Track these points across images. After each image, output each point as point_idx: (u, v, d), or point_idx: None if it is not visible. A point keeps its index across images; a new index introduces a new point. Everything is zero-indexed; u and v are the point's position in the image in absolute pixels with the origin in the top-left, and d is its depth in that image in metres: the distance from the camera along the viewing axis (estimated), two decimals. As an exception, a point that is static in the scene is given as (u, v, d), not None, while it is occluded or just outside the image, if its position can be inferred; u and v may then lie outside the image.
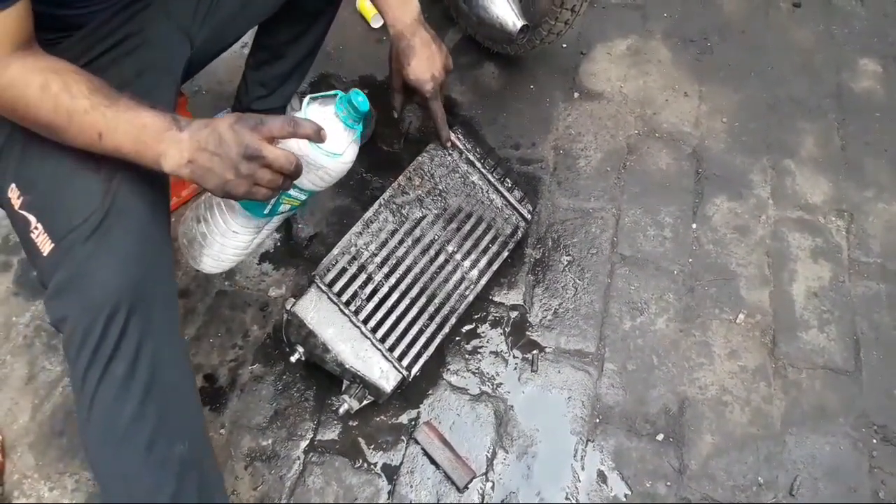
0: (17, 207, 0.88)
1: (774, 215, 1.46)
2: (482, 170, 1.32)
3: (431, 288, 1.23)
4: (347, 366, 1.15)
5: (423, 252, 1.25)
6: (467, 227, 1.29)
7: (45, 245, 0.84)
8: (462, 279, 1.26)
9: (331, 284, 1.18)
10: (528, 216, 1.34)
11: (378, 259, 1.22)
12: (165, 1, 1.05)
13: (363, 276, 1.20)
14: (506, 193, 1.33)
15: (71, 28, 0.98)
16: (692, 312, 1.34)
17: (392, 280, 1.21)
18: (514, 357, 1.30)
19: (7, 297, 1.40)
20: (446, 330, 1.23)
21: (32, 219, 0.86)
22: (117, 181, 0.85)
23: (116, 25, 1.00)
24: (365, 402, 1.20)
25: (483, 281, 1.28)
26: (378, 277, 1.21)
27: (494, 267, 1.29)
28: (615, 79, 1.67)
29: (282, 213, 1.02)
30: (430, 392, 1.27)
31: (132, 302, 0.80)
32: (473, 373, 1.29)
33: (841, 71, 1.66)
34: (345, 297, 1.18)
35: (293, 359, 1.20)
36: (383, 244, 1.23)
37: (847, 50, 1.70)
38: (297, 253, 1.45)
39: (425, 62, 1.13)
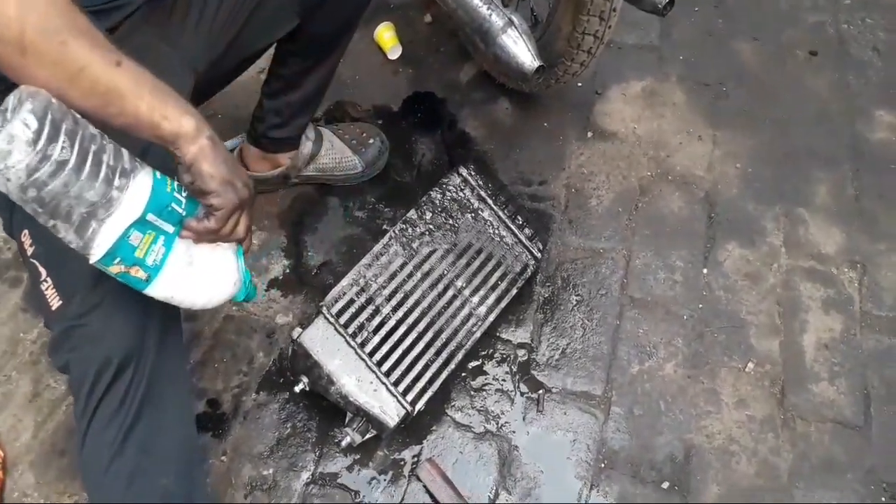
0: (28, 255, 0.91)
1: (786, 264, 1.45)
2: (494, 206, 1.33)
3: (439, 323, 1.23)
4: (351, 399, 1.14)
5: (432, 286, 1.25)
6: (477, 263, 1.29)
7: (53, 300, 0.88)
8: (470, 315, 1.26)
9: (338, 315, 1.18)
10: (539, 254, 1.34)
11: (386, 292, 1.22)
12: (167, 32, 1.06)
13: (371, 309, 1.20)
14: (516, 231, 1.33)
15: None
16: (701, 359, 1.33)
17: (399, 313, 1.21)
18: (520, 396, 1.29)
19: (15, 313, 1.40)
20: (452, 366, 1.22)
21: (43, 271, 0.89)
22: None
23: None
24: (368, 435, 1.19)
25: (491, 318, 1.27)
26: (386, 310, 1.21)
27: (503, 304, 1.29)
28: (629, 119, 1.67)
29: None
30: (433, 428, 1.26)
31: (126, 354, 0.85)
32: (478, 410, 1.28)
33: (856, 121, 1.67)
34: (351, 329, 1.18)
35: (297, 388, 1.19)
36: (392, 277, 1.23)
37: (863, 100, 1.70)
38: (306, 281, 1.45)
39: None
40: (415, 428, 1.26)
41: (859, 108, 1.69)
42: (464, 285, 1.27)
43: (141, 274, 0.75)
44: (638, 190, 1.56)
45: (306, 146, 1.47)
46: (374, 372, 1.16)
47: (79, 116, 0.71)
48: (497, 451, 1.24)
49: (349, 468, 1.23)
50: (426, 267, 1.26)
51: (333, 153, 1.52)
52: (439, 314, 1.24)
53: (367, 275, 1.22)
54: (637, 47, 1.81)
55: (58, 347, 0.89)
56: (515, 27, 1.29)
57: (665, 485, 1.20)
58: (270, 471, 1.23)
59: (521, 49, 1.29)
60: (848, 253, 1.46)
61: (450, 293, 1.25)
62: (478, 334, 1.26)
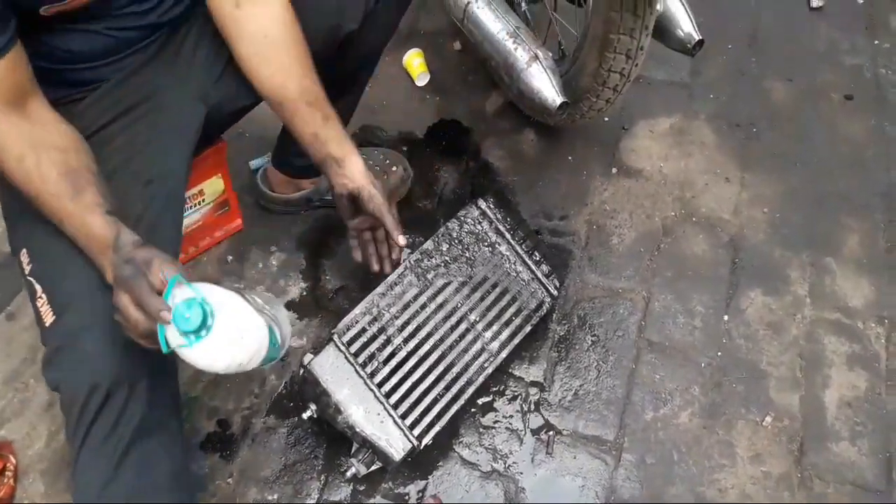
0: (26, 273, 0.93)
1: (811, 315, 1.41)
2: (511, 241, 1.32)
3: (450, 357, 1.22)
4: (358, 429, 1.13)
5: (445, 319, 1.24)
6: (491, 297, 1.28)
7: (47, 316, 0.90)
8: (482, 350, 1.25)
9: (349, 344, 1.17)
10: (555, 292, 1.32)
11: (399, 322, 1.21)
12: (179, 65, 1.09)
13: (382, 338, 1.20)
14: (533, 267, 1.32)
15: (87, 84, 1.03)
16: (717, 409, 1.30)
17: (411, 345, 1.20)
18: (530, 436, 1.28)
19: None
20: (462, 401, 1.21)
21: (38, 287, 0.91)
22: None
23: (131, 89, 1.04)
24: (373, 467, 1.18)
25: (503, 354, 1.26)
26: (397, 341, 1.20)
27: (516, 341, 1.28)
28: (656, 157, 1.66)
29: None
30: (440, 464, 1.25)
31: (115, 378, 0.85)
32: (486, 448, 1.27)
33: (891, 168, 1.63)
34: (362, 358, 1.17)
35: (305, 415, 1.19)
36: (405, 307, 1.23)
37: (899, 148, 1.66)
38: (322, 305, 1.45)
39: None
40: (421, 462, 1.25)
41: (895, 155, 1.65)
42: (477, 319, 1.26)
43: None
44: (661, 230, 1.54)
45: (329, 171, 1.48)
46: (382, 403, 1.15)
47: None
48: (503, 492, 1.22)
49: (353, 499, 1.22)
50: (440, 299, 1.25)
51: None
52: (451, 347, 1.23)
53: (380, 304, 1.21)
54: (667, 83, 1.80)
55: (49, 366, 0.89)
56: (540, 62, 1.29)
57: (674, 538, 1.18)
58: (275, 496, 1.23)
59: (544, 84, 1.29)
60: (876, 307, 1.42)
61: (462, 326, 1.24)
62: (489, 370, 1.24)
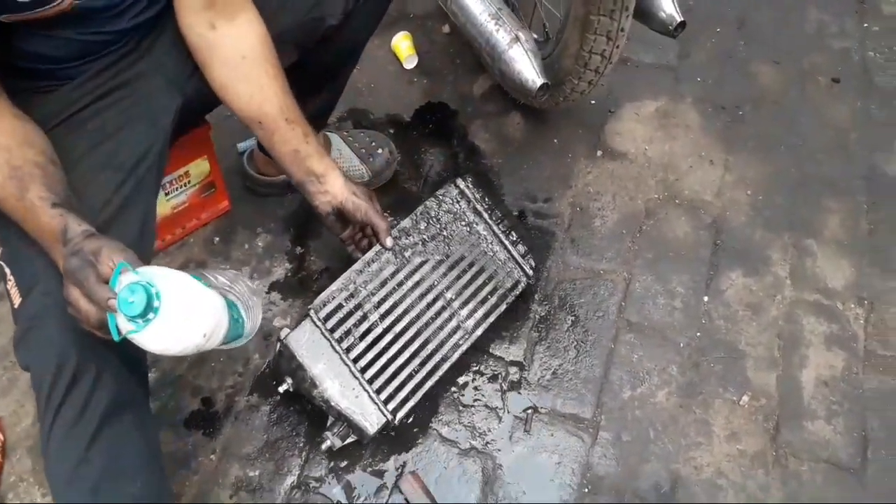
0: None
1: (790, 296, 1.42)
2: (489, 221, 1.33)
3: (426, 333, 1.23)
4: (333, 403, 1.15)
5: (421, 297, 1.25)
6: (468, 276, 1.29)
7: (15, 298, 0.91)
8: (457, 328, 1.26)
9: (325, 319, 1.18)
10: (531, 272, 1.33)
11: (375, 299, 1.22)
12: (154, 55, 1.09)
13: (358, 315, 1.21)
14: (510, 247, 1.33)
15: (62, 79, 1.03)
16: (695, 388, 1.31)
17: (387, 322, 1.22)
18: (508, 414, 1.29)
19: (26, 301, 1.45)
20: (436, 377, 1.23)
21: (7, 270, 0.93)
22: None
23: (105, 79, 1.04)
24: (349, 440, 1.20)
25: (479, 332, 1.27)
26: (373, 318, 1.21)
27: (491, 319, 1.29)
28: (641, 140, 1.66)
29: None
30: (419, 441, 1.27)
31: (81, 357, 0.85)
32: (465, 426, 1.28)
33: (875, 152, 1.62)
34: (338, 334, 1.18)
35: (281, 388, 1.20)
36: (382, 285, 1.24)
37: (884, 131, 1.66)
38: (307, 285, 1.46)
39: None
40: (400, 439, 1.26)
41: (879, 138, 1.65)
42: (453, 297, 1.27)
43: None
44: (644, 212, 1.54)
45: (313, 155, 1.49)
46: (357, 378, 1.17)
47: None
48: (481, 469, 1.24)
49: (333, 475, 1.24)
50: (417, 277, 1.26)
51: (341, 161, 1.53)
52: (427, 325, 1.24)
53: (357, 280, 1.23)
54: (654, 67, 1.80)
55: (19, 347, 0.90)
56: (521, 44, 1.29)
57: (648, 514, 1.19)
58: (257, 472, 1.25)
59: (525, 66, 1.29)
60: (856, 288, 1.42)
61: (439, 304, 1.26)
62: (464, 347, 1.26)
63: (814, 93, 1.74)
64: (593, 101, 1.72)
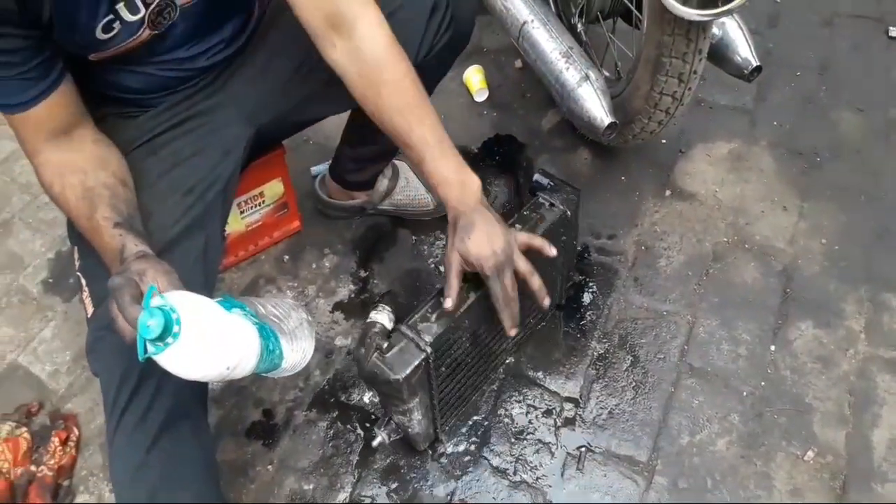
0: (77, 268, 1.03)
1: (864, 352, 1.36)
2: None
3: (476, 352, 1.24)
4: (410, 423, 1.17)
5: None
6: None
7: (89, 307, 0.98)
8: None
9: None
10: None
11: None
12: (230, 89, 1.15)
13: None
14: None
15: (146, 107, 1.10)
16: (757, 440, 1.27)
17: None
18: (561, 450, 1.28)
19: (109, 305, 1.54)
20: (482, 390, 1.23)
21: (83, 282, 1.00)
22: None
23: (182, 109, 1.11)
24: (395, 437, 1.25)
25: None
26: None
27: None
28: (711, 182, 1.64)
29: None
30: (469, 469, 1.27)
31: (143, 367, 0.85)
32: (517, 458, 1.28)
33: (963, 207, 1.55)
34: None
35: (375, 443, 1.26)
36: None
37: (972, 185, 1.58)
38: (369, 307, 1.50)
39: (485, 239, 1.01)
40: (452, 465, 1.27)
41: (967, 193, 1.57)
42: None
43: None
44: (711, 255, 1.52)
45: (382, 183, 1.55)
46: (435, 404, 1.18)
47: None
48: (531, 503, 1.23)
49: (385, 495, 1.25)
50: None
51: (408, 190, 1.58)
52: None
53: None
54: (729, 108, 1.78)
55: (90, 354, 0.96)
56: (591, 83, 1.31)
57: (702, 567, 1.15)
58: (311, 486, 1.28)
59: (594, 104, 1.31)
60: (937, 348, 1.35)
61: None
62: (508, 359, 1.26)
63: (897, 142, 1.68)
64: (664, 141, 1.71)
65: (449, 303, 1.07)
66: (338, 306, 1.51)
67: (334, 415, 1.35)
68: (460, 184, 1.02)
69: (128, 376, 0.90)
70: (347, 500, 1.25)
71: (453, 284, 1.06)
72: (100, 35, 0.92)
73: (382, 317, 1.18)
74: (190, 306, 0.79)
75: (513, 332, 1.10)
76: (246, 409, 1.37)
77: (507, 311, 1.06)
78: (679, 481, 1.23)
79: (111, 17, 0.91)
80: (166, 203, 1.03)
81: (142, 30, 0.96)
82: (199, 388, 1.01)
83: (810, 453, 1.24)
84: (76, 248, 1.04)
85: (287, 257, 1.60)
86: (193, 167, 1.08)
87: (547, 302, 1.11)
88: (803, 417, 1.28)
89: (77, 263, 1.03)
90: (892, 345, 1.37)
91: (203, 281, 1.02)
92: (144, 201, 0.98)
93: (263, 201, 1.53)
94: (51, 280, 1.60)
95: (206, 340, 0.78)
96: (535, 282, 1.08)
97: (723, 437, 1.28)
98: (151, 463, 0.92)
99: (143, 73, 1.06)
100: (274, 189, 1.52)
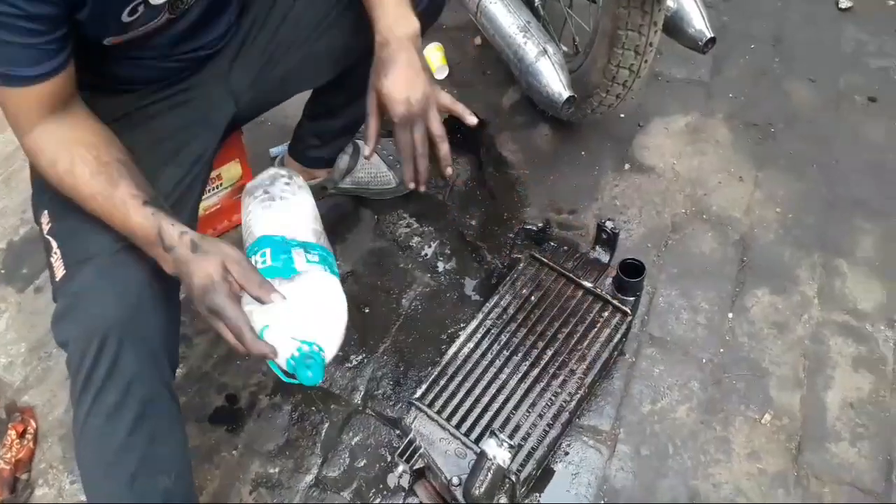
0: (45, 232, 0.97)
1: (818, 316, 1.40)
2: (575, 279, 1.31)
3: (534, 394, 1.21)
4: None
5: (522, 362, 1.24)
6: (567, 330, 1.27)
7: (59, 271, 0.92)
8: (567, 379, 1.22)
9: (430, 404, 1.18)
10: (628, 309, 1.28)
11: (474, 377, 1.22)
12: (216, 66, 1.14)
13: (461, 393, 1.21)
14: (602, 294, 1.29)
15: (133, 91, 1.08)
16: (716, 405, 1.30)
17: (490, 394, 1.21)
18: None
19: (64, 294, 1.50)
20: (558, 427, 1.19)
21: (54, 244, 0.94)
22: None
23: (170, 84, 1.10)
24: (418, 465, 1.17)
25: (590, 377, 1.22)
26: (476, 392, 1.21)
27: (601, 362, 1.24)
28: (669, 155, 1.65)
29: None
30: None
31: (124, 334, 0.85)
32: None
33: (912, 173, 1.59)
34: (446, 413, 1.18)
35: (392, 482, 1.21)
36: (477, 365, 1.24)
37: (921, 151, 1.63)
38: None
39: (403, 80, 0.98)
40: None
41: (916, 159, 1.62)
42: (557, 355, 1.24)
43: None
44: (670, 227, 1.54)
45: (343, 160, 1.53)
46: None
47: None
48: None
49: (351, 475, 1.25)
50: (514, 348, 1.25)
51: (369, 168, 1.56)
52: (533, 385, 1.21)
53: (454, 364, 1.23)
54: (685, 82, 1.79)
55: (60, 321, 0.88)
56: (549, 57, 1.31)
57: (665, 530, 1.18)
58: (277, 469, 1.27)
59: (552, 79, 1.31)
60: (887, 310, 1.39)
61: (543, 364, 1.23)
62: (581, 393, 1.21)
63: (849, 112, 1.71)
64: (622, 115, 1.72)
65: (367, 151, 1.07)
66: (300, 289, 1.49)
67: (298, 398, 1.34)
68: (397, 14, 0.98)
69: (106, 344, 0.84)
70: (313, 482, 1.25)
71: (371, 126, 1.05)
72: (124, 18, 0.90)
73: (504, 454, 1.05)
74: (321, 331, 0.92)
75: (411, 186, 1.09)
76: (209, 395, 1.35)
77: (410, 164, 1.06)
78: (641, 448, 1.26)
79: (139, 0, 0.89)
80: (158, 175, 0.99)
81: (162, 14, 0.94)
82: (173, 365, 0.96)
83: (767, 416, 1.28)
84: (46, 211, 0.97)
85: (247, 241, 1.58)
86: (182, 140, 1.07)
87: (449, 171, 1.09)
88: (760, 382, 1.32)
89: (46, 227, 0.96)
90: (844, 308, 1.41)
91: None
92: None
93: (221, 184, 1.50)
94: (2, 271, 1.55)
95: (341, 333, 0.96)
96: (444, 147, 1.06)
97: (683, 403, 1.30)
98: (133, 446, 0.87)
99: (142, 66, 1.04)
100: (232, 171, 1.50)
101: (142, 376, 0.86)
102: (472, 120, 1.08)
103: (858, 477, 1.21)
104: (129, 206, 0.85)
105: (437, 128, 1.04)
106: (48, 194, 0.95)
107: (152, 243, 0.85)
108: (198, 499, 1.05)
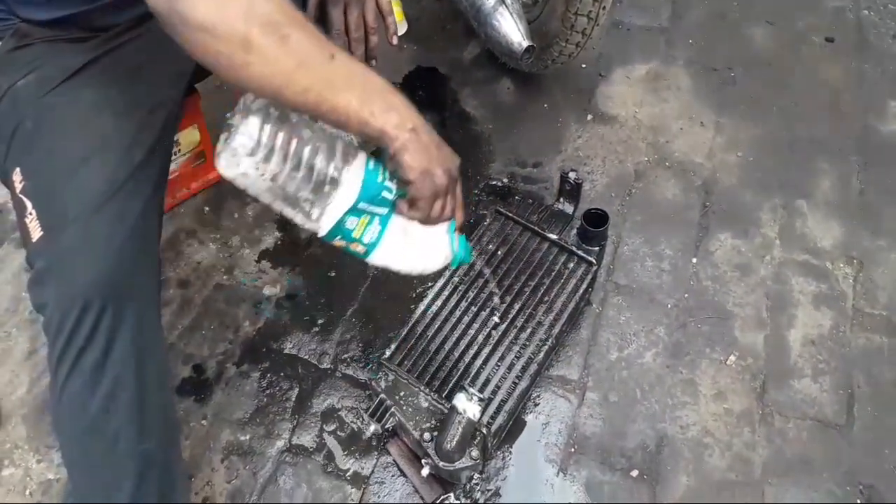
0: (17, 191, 0.91)
1: (779, 257, 1.41)
2: (540, 231, 1.31)
3: (503, 345, 1.23)
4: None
5: (489, 317, 1.25)
6: (534, 283, 1.27)
7: (35, 231, 0.87)
8: (536, 329, 1.24)
9: (400, 363, 1.19)
10: (593, 259, 1.29)
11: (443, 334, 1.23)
12: None
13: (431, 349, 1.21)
14: (567, 245, 1.30)
15: (101, 30, 1.01)
16: (682, 349, 1.31)
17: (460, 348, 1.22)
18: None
19: (19, 273, 1.46)
20: (527, 378, 1.20)
21: (29, 204, 0.89)
22: (119, 181, 0.88)
23: (137, 24, 1.02)
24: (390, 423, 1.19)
25: (557, 328, 1.24)
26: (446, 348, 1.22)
27: (567, 312, 1.25)
28: (631, 103, 1.64)
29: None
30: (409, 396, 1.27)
31: (107, 296, 0.82)
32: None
33: (868, 112, 1.61)
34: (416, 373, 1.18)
35: (368, 432, 1.21)
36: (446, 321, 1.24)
37: (878, 91, 1.64)
38: (296, 252, 1.47)
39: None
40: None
41: (873, 98, 1.63)
42: (524, 306, 1.25)
43: (360, 248, 0.88)
44: (633, 175, 1.53)
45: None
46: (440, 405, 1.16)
47: (295, 118, 0.80)
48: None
49: (322, 439, 1.25)
50: (482, 303, 1.26)
51: (332, 129, 1.52)
52: (502, 337, 1.23)
53: (423, 322, 1.23)
54: (645, 29, 1.77)
55: (37, 283, 0.85)
56: (507, 6, 1.28)
57: (634, 473, 1.20)
58: (247, 437, 1.26)
59: (511, 28, 1.28)
60: (845, 248, 1.42)
61: (511, 317, 1.24)
62: (549, 343, 1.23)
63: (807, 53, 1.71)
64: (584, 66, 1.70)
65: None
66: (264, 255, 1.47)
67: (266, 365, 1.33)
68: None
69: (89, 306, 0.80)
70: (285, 447, 1.25)
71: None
72: None
73: (474, 408, 1.07)
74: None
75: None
76: (175, 367, 1.33)
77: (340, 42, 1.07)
78: (610, 395, 1.27)
79: None
80: (132, 118, 0.95)
81: None
82: (158, 325, 0.93)
83: (732, 357, 1.30)
84: (18, 169, 0.91)
85: (207, 209, 1.54)
86: (152, 84, 1.01)
87: (374, 63, 1.14)
88: (725, 324, 1.34)
89: (19, 186, 0.90)
90: (805, 248, 1.42)
91: (159, 208, 0.98)
92: (108, 115, 0.91)
93: (179, 150, 1.45)
94: (-50, 251, 1.50)
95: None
96: (374, 39, 1.11)
97: (650, 349, 1.32)
98: (113, 409, 0.84)
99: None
100: (190, 137, 1.45)
101: (124, 338, 0.83)
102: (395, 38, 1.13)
103: (821, 411, 1.24)
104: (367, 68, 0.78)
105: (372, 19, 1.07)
106: (18, 149, 0.90)
107: (392, 90, 0.78)
108: (184, 464, 1.03)
